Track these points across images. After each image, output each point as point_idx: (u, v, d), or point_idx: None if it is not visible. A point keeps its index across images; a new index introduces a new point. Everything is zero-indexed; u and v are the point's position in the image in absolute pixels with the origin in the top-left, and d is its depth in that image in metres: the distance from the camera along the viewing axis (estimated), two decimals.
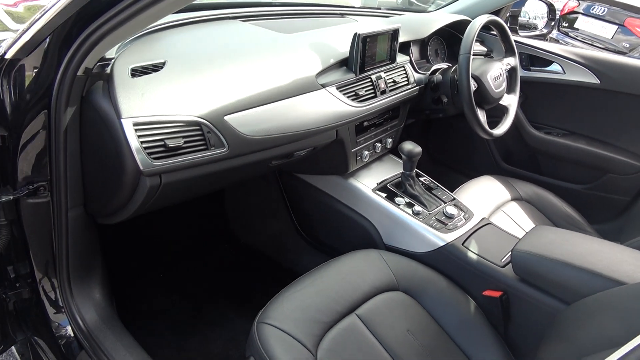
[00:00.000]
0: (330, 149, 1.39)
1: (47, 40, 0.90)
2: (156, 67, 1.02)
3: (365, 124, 1.47)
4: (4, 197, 1.00)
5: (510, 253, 1.21)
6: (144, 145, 0.93)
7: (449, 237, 1.32)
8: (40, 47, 0.92)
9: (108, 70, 0.97)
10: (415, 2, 2.56)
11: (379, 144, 1.56)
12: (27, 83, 0.96)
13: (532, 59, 1.93)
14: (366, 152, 1.50)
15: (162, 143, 0.95)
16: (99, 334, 1.16)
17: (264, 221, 1.77)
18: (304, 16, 1.62)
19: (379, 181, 1.48)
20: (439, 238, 1.32)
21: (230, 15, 1.42)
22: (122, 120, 0.91)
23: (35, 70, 0.94)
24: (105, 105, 0.94)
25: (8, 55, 0.94)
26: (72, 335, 1.17)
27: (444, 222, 1.37)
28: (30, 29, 0.91)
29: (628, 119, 1.79)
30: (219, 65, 1.10)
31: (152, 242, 1.73)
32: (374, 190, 1.44)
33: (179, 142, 0.97)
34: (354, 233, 1.46)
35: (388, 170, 1.56)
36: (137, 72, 0.99)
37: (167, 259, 1.72)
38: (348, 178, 1.48)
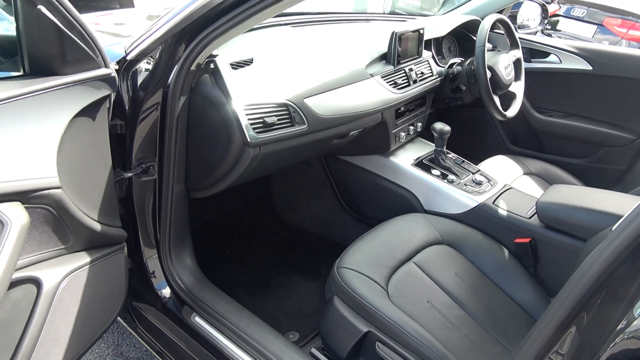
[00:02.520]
0: (376, 131, 1.63)
1: (166, 42, 1.12)
2: (247, 62, 1.26)
3: (402, 109, 1.72)
4: (124, 174, 1.21)
5: (534, 206, 1.46)
6: (250, 122, 1.16)
7: (481, 198, 1.56)
8: (158, 48, 1.14)
9: (212, 65, 1.20)
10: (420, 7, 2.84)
11: (412, 127, 1.81)
12: (142, 79, 1.17)
13: (532, 52, 2.21)
14: (403, 134, 1.75)
15: (262, 120, 1.18)
16: (197, 292, 1.37)
17: (309, 202, 2.00)
18: (338, 22, 1.88)
19: (415, 158, 1.73)
20: (472, 200, 1.56)
21: (281, 22, 1.67)
22: (233, 102, 1.14)
23: (152, 68, 1.16)
24: (216, 93, 1.17)
25: (130, 57, 1.16)
26: (174, 295, 1.38)
27: (474, 188, 1.61)
28: (152, 35, 1.13)
29: (618, 99, 2.06)
30: (294, 59, 1.35)
31: (215, 224, 1.95)
32: (412, 165, 1.69)
33: (274, 119, 1.20)
34: (397, 203, 1.69)
35: (420, 149, 1.81)
36: (235, 66, 1.22)
37: (229, 238, 1.94)
38: (388, 156, 1.73)
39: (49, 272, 0.94)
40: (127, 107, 1.18)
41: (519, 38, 2.06)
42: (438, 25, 1.98)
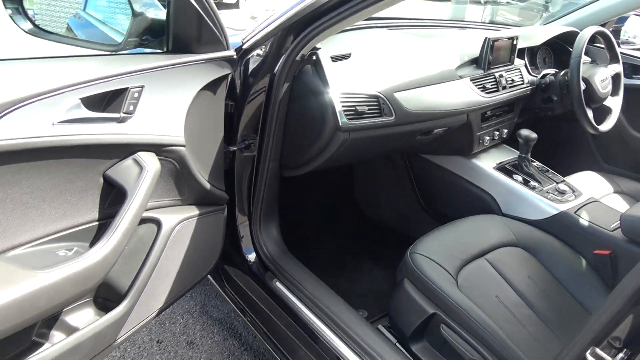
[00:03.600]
0: (460, 131, 1.69)
1: (277, 35, 1.28)
2: (345, 57, 1.40)
3: (488, 113, 1.76)
4: (229, 148, 1.39)
5: (619, 220, 1.43)
6: (344, 109, 1.29)
7: (562, 207, 1.56)
8: (270, 40, 1.30)
9: (314, 57, 1.34)
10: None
11: (497, 132, 1.84)
12: (253, 66, 1.34)
13: (634, 68, 2.13)
14: (487, 137, 1.78)
15: (354, 108, 1.31)
16: (280, 261, 1.51)
17: (388, 196, 2.09)
18: (435, 27, 1.96)
19: (497, 162, 1.76)
20: (552, 207, 1.56)
21: (378, 25, 1.79)
22: (330, 90, 1.28)
23: (263, 57, 1.32)
24: (315, 81, 1.31)
25: (245, 46, 1.33)
26: (258, 260, 1.53)
27: (557, 196, 1.61)
28: (265, 28, 1.29)
29: None
30: (388, 57, 1.46)
31: (299, 205, 2.10)
32: (494, 168, 1.72)
33: (364, 108, 1.32)
34: (474, 204, 1.73)
35: (503, 154, 1.83)
36: (334, 59, 1.36)
37: (310, 220, 2.08)
38: (470, 158, 1.77)
39: (167, 217, 1.12)
40: (237, 90, 1.35)
41: (621, 53, 2.01)
42: (534, 35, 1.99)
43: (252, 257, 1.55)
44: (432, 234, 1.43)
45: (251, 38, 1.32)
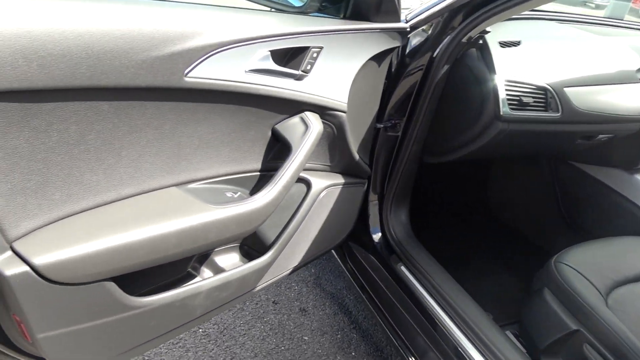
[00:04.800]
0: (628, 142, 1.52)
1: (444, 15, 1.24)
2: (515, 44, 1.31)
3: None
4: (376, 124, 1.38)
5: None
6: (507, 98, 1.22)
7: None
8: (436, 19, 1.26)
9: (481, 40, 1.28)
10: None
11: None
12: (413, 45, 1.31)
13: None
14: None
15: (519, 99, 1.23)
16: (407, 246, 1.49)
17: (525, 203, 1.96)
18: (608, 26, 1.78)
19: None
20: None
21: (546, 17, 1.66)
22: (495, 77, 1.21)
23: (425, 36, 1.29)
24: (480, 66, 1.25)
25: (409, 24, 1.30)
26: (384, 242, 1.52)
27: None
28: (433, 7, 1.25)
29: None
30: (559, 49, 1.35)
31: (430, 195, 2.06)
32: None
33: (529, 100, 1.24)
34: (630, 225, 1.55)
35: None
36: (502, 45, 1.29)
37: (437, 212, 2.03)
38: (634, 174, 1.59)
39: (317, 180, 1.15)
40: (392, 68, 1.34)
41: None
42: None
43: (377, 237, 1.55)
44: (582, 247, 1.30)
45: (417, 16, 1.29)
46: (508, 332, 1.33)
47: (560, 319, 1.15)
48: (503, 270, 1.73)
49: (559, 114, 1.28)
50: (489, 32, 1.28)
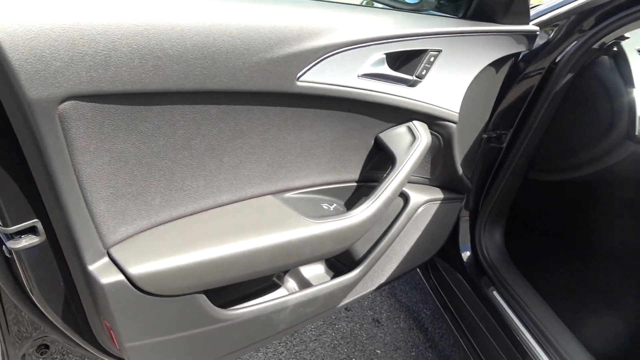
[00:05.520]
0: None
1: (570, 17, 1.08)
2: None
3: None
4: (485, 134, 1.24)
5: None
6: None
7: None
8: (562, 21, 1.10)
9: (616, 47, 1.11)
10: None
11: None
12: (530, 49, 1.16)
13: None
14: None
15: None
16: (501, 269, 1.35)
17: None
18: None
19: None
20: None
21: None
22: (633, 90, 1.05)
23: (546, 39, 1.13)
24: (613, 76, 1.09)
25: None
26: (475, 262, 1.39)
27: None
28: (558, 9, 1.10)
29: None
30: None
31: (528, 215, 1.86)
32: None
33: None
34: None
35: None
36: None
37: (540, 234, 1.84)
38: None
39: (415, 194, 1.05)
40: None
41: None
42: None
43: (467, 255, 1.43)
44: None
45: (537, 17, 1.15)
46: None
47: None
48: (612, 308, 1.54)
49: None
50: (627, 38, 1.11)
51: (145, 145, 0.61)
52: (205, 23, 0.57)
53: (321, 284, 0.96)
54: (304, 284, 1.00)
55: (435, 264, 1.51)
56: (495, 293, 1.31)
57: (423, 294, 1.85)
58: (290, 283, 1.01)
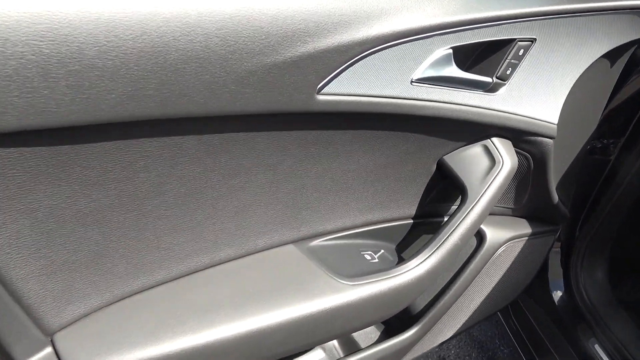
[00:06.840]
0: None
1: None
2: None
3: None
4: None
5: None
6: None
7: None
8: None
9: None
10: None
11: None
12: None
13: None
14: None
15: None
16: (605, 315, 1.06)
17: None
18: None
19: None
20: None
21: None
22: None
23: None
24: None
25: None
26: (570, 303, 1.11)
27: None
28: None
29: None
30: None
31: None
32: None
33: None
34: None
35: None
36: None
37: None
38: None
39: (494, 231, 0.80)
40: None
41: None
42: None
43: (558, 295, 1.14)
44: None
45: None
46: None
47: None
48: None
49: None
50: None
51: (87, 197, 0.42)
52: (158, 14, 0.37)
53: (366, 348, 0.74)
54: (350, 346, 0.79)
55: (517, 302, 1.24)
56: (597, 347, 1.03)
57: (499, 327, 1.56)
58: (335, 349, 0.80)
